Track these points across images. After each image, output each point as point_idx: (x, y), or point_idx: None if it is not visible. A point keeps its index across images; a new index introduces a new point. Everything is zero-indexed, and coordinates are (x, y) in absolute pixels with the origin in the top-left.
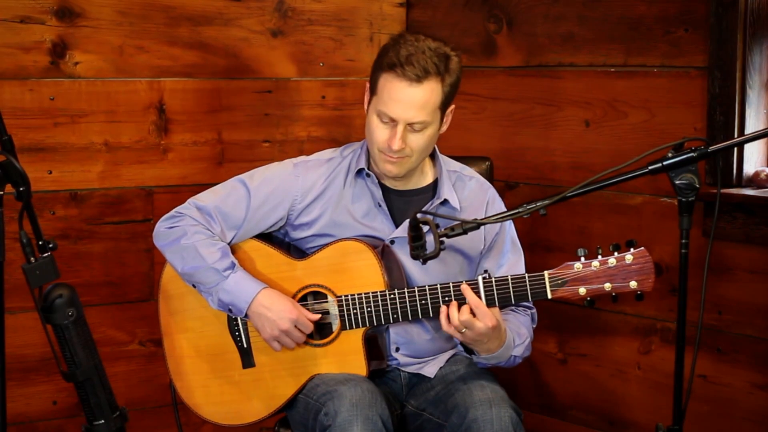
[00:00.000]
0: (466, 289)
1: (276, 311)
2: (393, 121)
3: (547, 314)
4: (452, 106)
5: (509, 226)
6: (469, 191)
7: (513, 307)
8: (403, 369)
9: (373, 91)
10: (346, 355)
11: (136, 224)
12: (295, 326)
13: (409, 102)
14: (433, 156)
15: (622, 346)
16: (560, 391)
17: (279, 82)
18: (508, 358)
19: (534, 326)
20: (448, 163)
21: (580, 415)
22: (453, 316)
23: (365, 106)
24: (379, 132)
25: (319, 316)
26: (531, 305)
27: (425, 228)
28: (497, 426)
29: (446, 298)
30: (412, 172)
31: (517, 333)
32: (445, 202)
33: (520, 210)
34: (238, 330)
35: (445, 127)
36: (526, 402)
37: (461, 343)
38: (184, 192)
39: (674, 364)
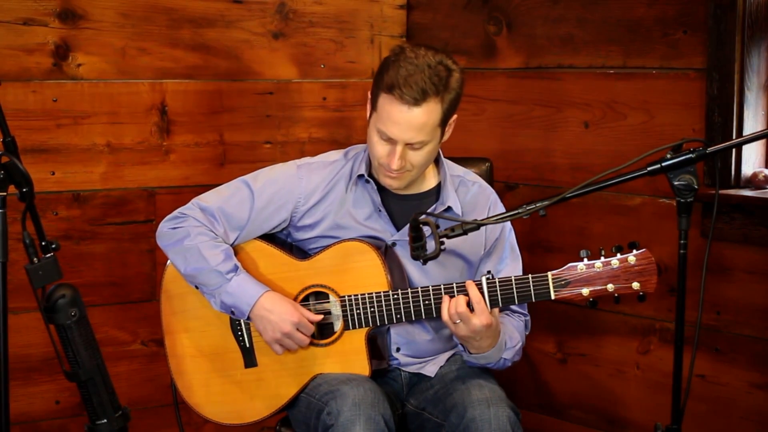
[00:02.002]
0: (470, 284)
1: (278, 314)
2: (392, 140)
3: (546, 314)
4: (454, 116)
5: (509, 233)
6: (471, 196)
7: (508, 312)
8: (403, 369)
9: (373, 106)
10: (348, 355)
11: (139, 225)
12: (297, 329)
13: (407, 124)
14: (436, 160)
15: (621, 346)
16: (559, 391)
17: (280, 83)
18: (498, 360)
19: (527, 333)
20: (451, 168)
21: (580, 415)
22: (451, 306)
23: (367, 115)
24: (379, 148)
25: (322, 317)
26: (525, 312)
27: (426, 229)
28: (495, 425)
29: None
30: None
31: (509, 336)
32: (448, 209)
33: (520, 211)
34: (241, 329)
35: (447, 137)
36: (526, 401)
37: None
38: (185, 193)
39: (673, 364)
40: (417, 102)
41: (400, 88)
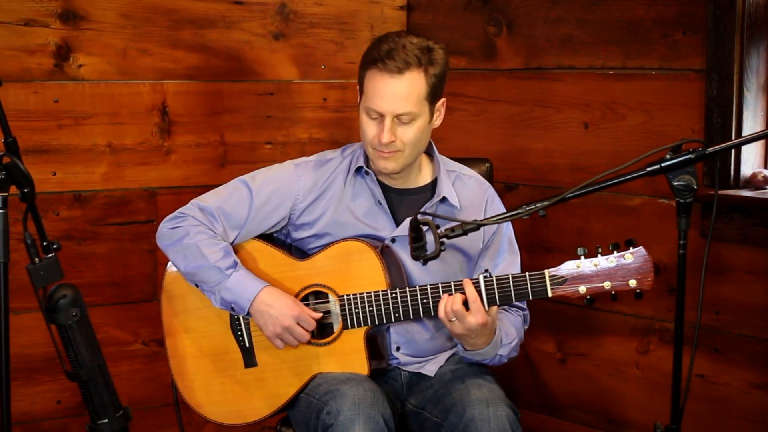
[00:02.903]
0: (467, 283)
1: (278, 308)
2: (381, 116)
3: (546, 314)
4: (442, 99)
5: (507, 227)
6: (468, 190)
7: (506, 307)
8: (403, 368)
9: (361, 90)
10: (347, 354)
11: (140, 225)
12: (298, 323)
13: (392, 94)
14: (431, 155)
15: (620, 346)
16: (559, 391)
17: (281, 84)
18: (494, 357)
19: (526, 327)
20: (447, 163)
21: (579, 414)
22: (447, 304)
23: (358, 107)
24: (369, 128)
25: (321, 314)
26: (524, 307)
27: (425, 228)
28: (494, 425)
29: None
30: (410, 170)
31: (505, 333)
32: (443, 199)
33: (520, 211)
34: (240, 329)
35: (438, 122)
36: (526, 401)
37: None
38: (186, 193)
39: (672, 364)
40: (400, 71)
41: (382, 60)
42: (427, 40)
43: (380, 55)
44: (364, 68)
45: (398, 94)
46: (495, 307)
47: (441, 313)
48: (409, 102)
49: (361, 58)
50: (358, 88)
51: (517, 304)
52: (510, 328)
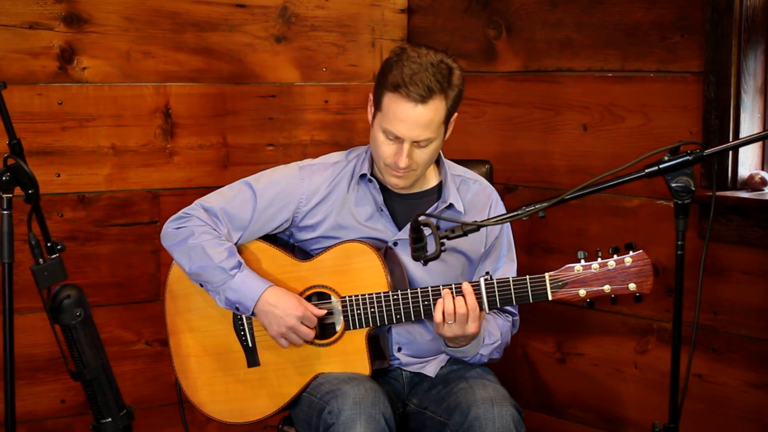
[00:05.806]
0: (468, 292)
1: (282, 308)
2: (399, 139)
3: (545, 314)
4: (455, 114)
5: (508, 233)
6: (472, 194)
7: (496, 311)
8: (404, 368)
9: (377, 107)
10: (349, 355)
11: (143, 226)
12: (302, 322)
13: (414, 122)
14: (437, 160)
15: (619, 346)
16: (558, 390)
17: (283, 86)
18: (474, 355)
19: (514, 332)
20: (452, 167)
21: (578, 414)
22: (448, 306)
23: (369, 117)
24: (385, 148)
25: (325, 311)
26: (515, 312)
27: (426, 230)
28: (499, 424)
29: None
30: None
31: (489, 333)
32: (450, 206)
33: (519, 212)
34: (244, 329)
35: (448, 134)
36: (525, 400)
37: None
38: (189, 195)
39: (670, 364)
40: (423, 99)
41: (406, 86)
42: (446, 58)
43: (403, 81)
44: (383, 88)
45: (420, 122)
46: (483, 312)
47: (438, 316)
48: (430, 129)
49: (380, 75)
50: (371, 99)
51: (509, 309)
52: (495, 330)
